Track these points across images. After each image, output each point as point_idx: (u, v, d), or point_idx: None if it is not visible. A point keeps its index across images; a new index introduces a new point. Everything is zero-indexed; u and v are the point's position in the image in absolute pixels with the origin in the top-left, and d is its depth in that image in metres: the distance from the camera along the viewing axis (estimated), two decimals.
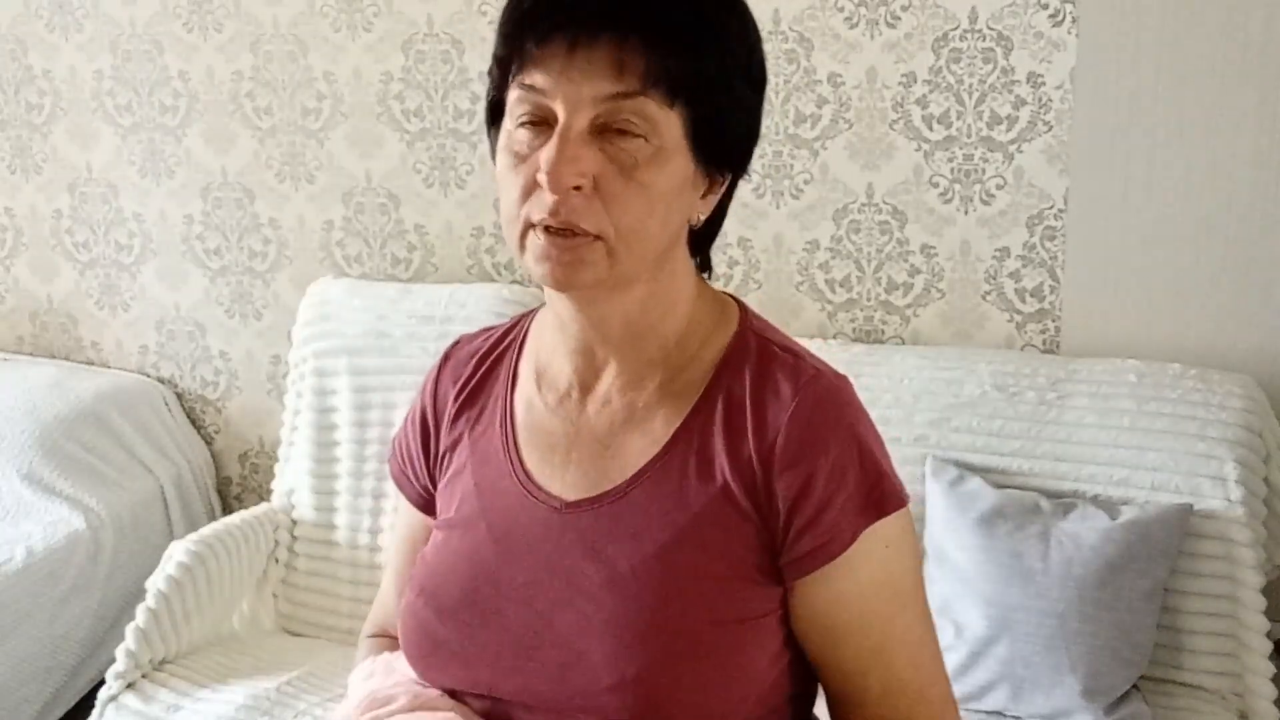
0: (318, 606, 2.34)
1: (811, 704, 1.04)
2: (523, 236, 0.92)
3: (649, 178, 0.89)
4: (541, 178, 0.88)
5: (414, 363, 2.32)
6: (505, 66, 0.91)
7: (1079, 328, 2.16)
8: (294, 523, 2.39)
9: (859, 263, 2.28)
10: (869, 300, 2.29)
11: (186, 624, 2.11)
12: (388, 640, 1.16)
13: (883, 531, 0.95)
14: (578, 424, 1.01)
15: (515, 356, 1.09)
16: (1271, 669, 1.83)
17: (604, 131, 0.88)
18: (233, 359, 2.79)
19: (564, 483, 1.00)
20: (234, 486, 2.86)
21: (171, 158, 2.71)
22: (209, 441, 2.85)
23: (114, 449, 2.61)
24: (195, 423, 2.85)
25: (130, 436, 2.64)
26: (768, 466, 0.94)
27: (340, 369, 2.38)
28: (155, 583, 2.10)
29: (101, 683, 2.05)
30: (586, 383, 1.02)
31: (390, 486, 2.31)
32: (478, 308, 2.34)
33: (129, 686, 2.02)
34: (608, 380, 1.01)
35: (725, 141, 0.94)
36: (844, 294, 2.30)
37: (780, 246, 2.31)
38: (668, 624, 0.92)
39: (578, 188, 0.88)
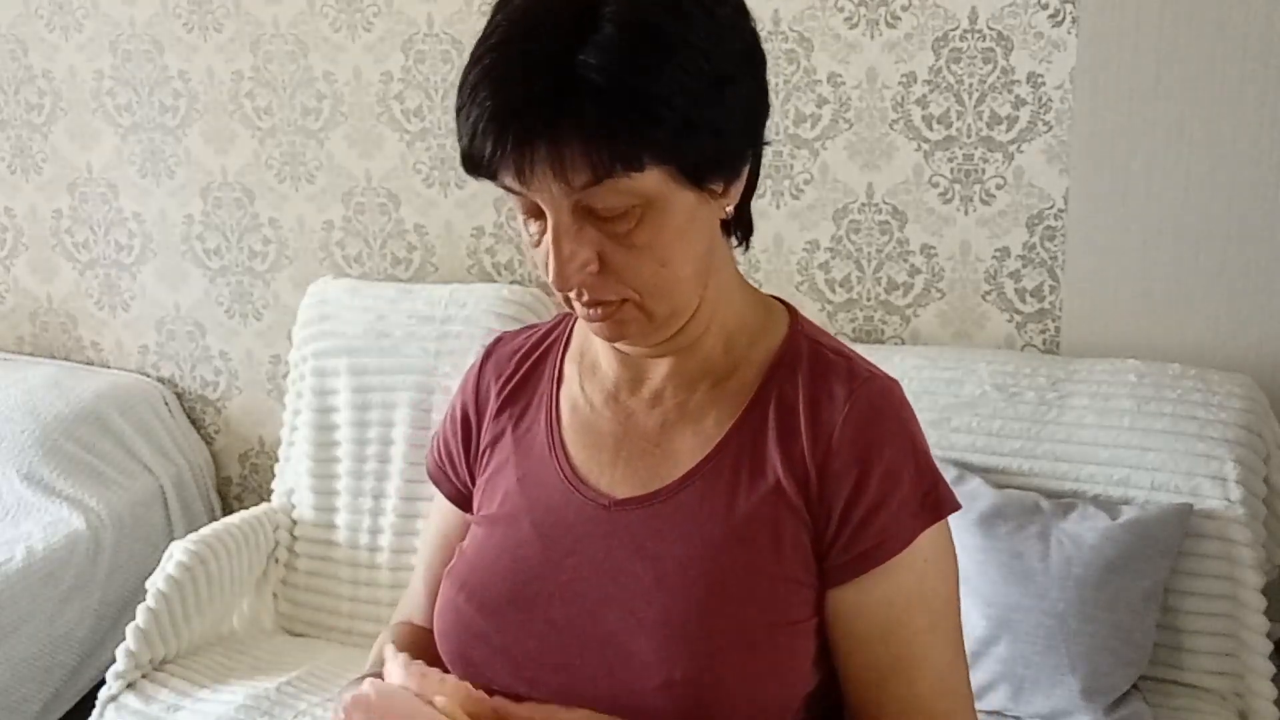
0: (318, 606, 2.34)
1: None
2: (567, 302, 0.94)
3: (647, 238, 0.88)
4: (550, 276, 0.89)
5: (414, 363, 2.33)
6: (476, 170, 0.89)
7: (1079, 328, 2.16)
8: (294, 523, 2.39)
9: (859, 263, 2.28)
10: (869, 300, 2.29)
11: (186, 624, 2.11)
12: (415, 628, 1.15)
13: (924, 546, 0.94)
14: (626, 423, 1.01)
15: (560, 354, 1.09)
16: (1271, 669, 1.83)
17: (590, 212, 0.87)
18: (233, 359, 2.79)
19: (612, 480, 1.00)
20: (234, 486, 2.86)
21: (171, 158, 2.71)
22: (209, 441, 2.85)
23: (114, 449, 2.61)
24: (195, 423, 2.85)
25: (130, 436, 2.64)
26: (823, 468, 0.94)
27: (340, 369, 2.38)
28: (155, 583, 2.10)
29: (101, 683, 2.06)
30: (635, 383, 1.02)
31: (391, 486, 2.31)
32: (478, 308, 2.34)
33: (129, 686, 2.02)
34: (657, 380, 1.01)
35: (722, 159, 0.91)
36: (844, 294, 2.30)
37: (780, 246, 2.31)
38: (718, 624, 0.92)
39: (588, 273, 0.89)
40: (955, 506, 0.96)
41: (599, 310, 0.92)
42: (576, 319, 1.10)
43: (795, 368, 0.99)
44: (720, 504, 0.95)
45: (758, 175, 0.99)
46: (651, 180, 0.86)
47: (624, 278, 0.90)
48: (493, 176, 0.88)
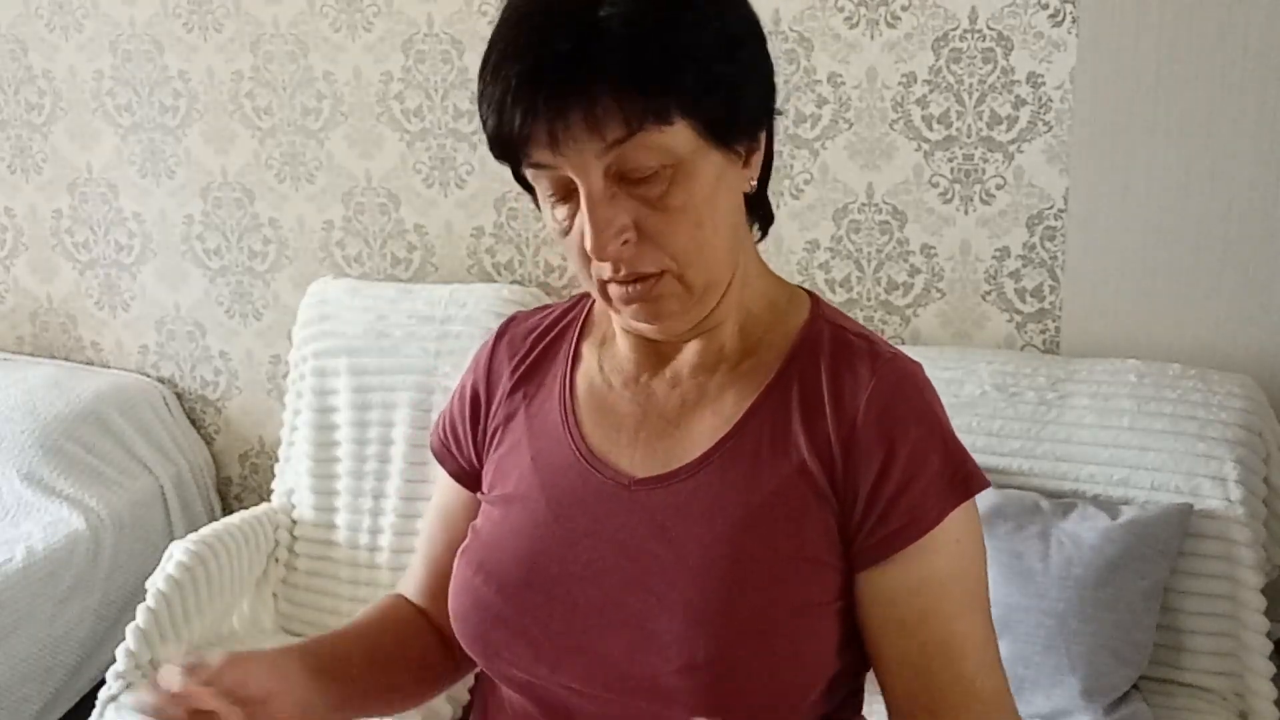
0: (318, 606, 2.34)
1: (860, 709, 1.03)
2: (602, 290, 0.94)
3: (681, 199, 0.89)
4: (587, 246, 0.89)
5: (414, 363, 2.33)
6: (507, 147, 0.90)
7: (1079, 328, 2.16)
8: (294, 523, 2.39)
9: (859, 263, 2.28)
10: (869, 300, 2.29)
11: (186, 624, 2.11)
12: (399, 598, 1.15)
13: (953, 527, 0.94)
14: (645, 404, 1.01)
15: (576, 335, 1.09)
16: (1271, 669, 1.83)
17: (623, 178, 0.89)
18: (233, 359, 2.79)
19: (631, 460, 1.00)
20: (234, 486, 2.86)
21: (171, 158, 2.71)
22: (209, 441, 2.85)
23: (114, 449, 2.61)
24: (195, 423, 2.85)
25: (130, 436, 2.64)
26: (848, 445, 0.94)
27: (340, 369, 2.38)
28: (155, 583, 2.10)
29: (101, 683, 2.06)
30: (655, 364, 1.02)
31: (391, 486, 2.31)
32: (478, 308, 2.35)
33: (129, 686, 2.02)
34: (678, 362, 1.02)
35: (741, 117, 0.92)
36: (844, 294, 2.30)
37: (780, 246, 2.31)
38: (741, 605, 0.91)
39: (624, 242, 0.89)
40: (984, 484, 0.96)
41: (638, 287, 0.91)
42: (593, 301, 1.10)
43: (817, 349, 0.99)
44: (741, 483, 0.95)
45: (772, 159, 1.00)
46: (680, 137, 0.88)
47: (662, 244, 0.90)
48: (522, 151, 0.88)
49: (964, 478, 0.95)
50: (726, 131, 0.90)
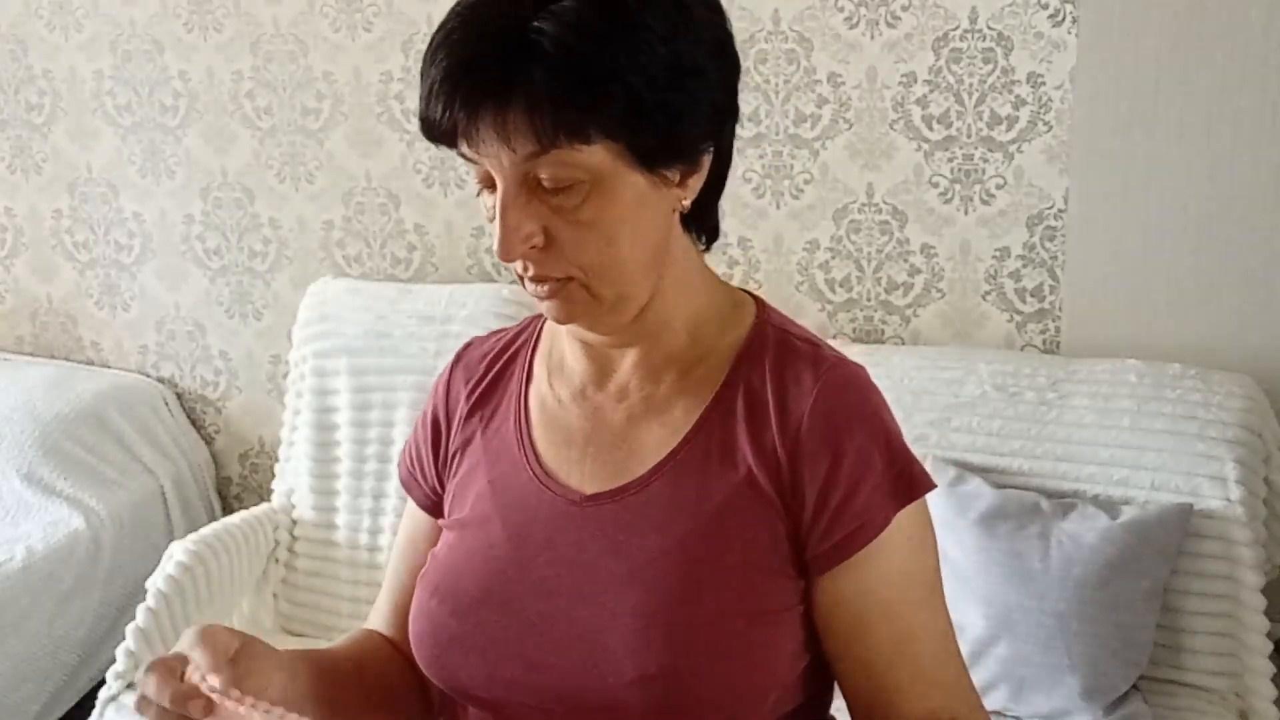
0: (318, 606, 2.34)
1: (826, 710, 1.04)
2: (521, 279, 0.95)
3: (593, 214, 0.89)
4: (494, 247, 0.90)
5: (414, 363, 2.33)
6: (432, 134, 0.92)
7: (1079, 328, 2.16)
8: (294, 523, 2.39)
9: (859, 263, 2.28)
10: (869, 300, 2.29)
11: (186, 624, 2.11)
12: (368, 631, 1.14)
13: (904, 525, 0.94)
14: (593, 418, 1.01)
15: (530, 354, 1.09)
16: (1271, 669, 1.84)
17: (539, 185, 0.89)
18: (233, 359, 2.79)
19: (582, 476, 1.00)
20: (234, 486, 2.86)
21: (171, 158, 2.71)
22: (209, 441, 2.85)
23: (114, 449, 2.61)
24: (195, 423, 2.85)
25: (130, 436, 2.64)
26: (793, 453, 0.94)
27: (340, 369, 2.38)
28: (155, 583, 2.10)
29: (101, 683, 2.06)
30: (601, 377, 1.02)
31: (391, 486, 2.31)
32: (478, 308, 2.35)
33: (129, 686, 2.02)
34: (623, 374, 1.01)
35: (678, 145, 0.91)
36: (844, 294, 2.30)
37: (780, 246, 2.31)
38: (692, 615, 0.92)
39: (531, 247, 0.90)
40: (929, 486, 0.96)
41: (545, 287, 0.92)
42: (546, 320, 1.10)
43: (762, 356, 0.99)
44: (691, 495, 0.95)
45: (724, 177, 0.99)
46: (599, 156, 0.87)
47: (568, 255, 0.90)
48: (448, 141, 0.90)
49: (909, 481, 0.95)
50: (656, 158, 0.90)
